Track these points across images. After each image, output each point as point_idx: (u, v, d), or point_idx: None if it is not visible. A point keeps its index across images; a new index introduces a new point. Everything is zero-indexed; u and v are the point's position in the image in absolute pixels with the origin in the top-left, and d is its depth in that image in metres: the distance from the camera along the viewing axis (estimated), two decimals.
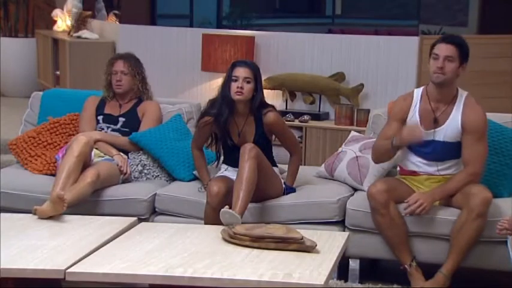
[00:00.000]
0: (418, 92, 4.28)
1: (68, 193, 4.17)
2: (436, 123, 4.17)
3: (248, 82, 4.36)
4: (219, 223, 3.97)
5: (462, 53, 4.15)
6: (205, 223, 4.20)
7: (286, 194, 4.42)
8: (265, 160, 4.30)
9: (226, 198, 4.16)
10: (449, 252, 4.05)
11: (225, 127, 4.38)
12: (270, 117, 4.39)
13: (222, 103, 4.39)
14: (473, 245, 4.03)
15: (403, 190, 4.21)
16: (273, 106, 4.49)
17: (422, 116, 4.20)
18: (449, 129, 4.16)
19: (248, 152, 4.16)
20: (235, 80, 4.35)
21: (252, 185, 4.11)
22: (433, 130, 4.17)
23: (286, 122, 6.29)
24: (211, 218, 4.16)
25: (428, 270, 4.12)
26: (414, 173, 4.27)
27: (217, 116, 4.38)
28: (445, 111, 4.18)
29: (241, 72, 4.37)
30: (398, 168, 4.38)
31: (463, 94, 4.22)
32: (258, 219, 4.28)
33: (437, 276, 4.05)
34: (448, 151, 4.19)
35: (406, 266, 4.13)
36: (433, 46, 4.19)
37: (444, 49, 4.12)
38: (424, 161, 4.22)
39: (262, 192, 4.31)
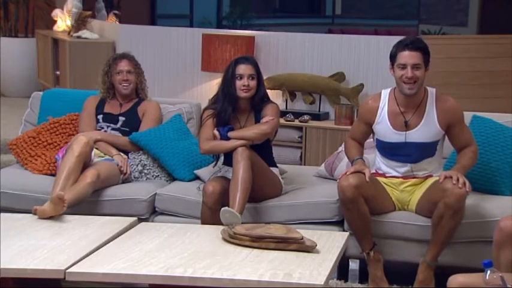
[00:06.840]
0: (385, 94, 4.24)
1: (68, 193, 4.17)
2: (407, 126, 4.15)
3: (253, 79, 4.38)
4: (216, 222, 3.98)
5: (426, 56, 4.10)
6: (202, 223, 4.20)
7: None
8: (260, 160, 4.30)
9: (222, 197, 4.16)
10: (431, 241, 4.06)
11: (227, 124, 4.38)
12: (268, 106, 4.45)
13: (225, 100, 4.39)
14: (454, 234, 4.01)
15: (375, 187, 4.16)
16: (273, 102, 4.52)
17: (392, 119, 4.18)
18: (426, 129, 4.13)
19: (240, 153, 4.18)
20: (240, 78, 4.36)
21: (247, 185, 4.11)
22: (404, 133, 4.15)
23: (287, 122, 6.33)
24: (208, 217, 4.17)
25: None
26: (389, 177, 4.26)
27: (220, 113, 4.39)
28: (417, 114, 4.15)
29: (244, 69, 4.37)
30: (374, 171, 4.30)
31: (432, 91, 4.19)
32: (257, 219, 4.28)
33: (422, 264, 4.07)
34: (423, 151, 4.17)
35: (364, 253, 4.14)
36: (394, 53, 4.11)
37: (410, 57, 4.05)
38: (398, 163, 4.21)
39: (260, 192, 4.31)
